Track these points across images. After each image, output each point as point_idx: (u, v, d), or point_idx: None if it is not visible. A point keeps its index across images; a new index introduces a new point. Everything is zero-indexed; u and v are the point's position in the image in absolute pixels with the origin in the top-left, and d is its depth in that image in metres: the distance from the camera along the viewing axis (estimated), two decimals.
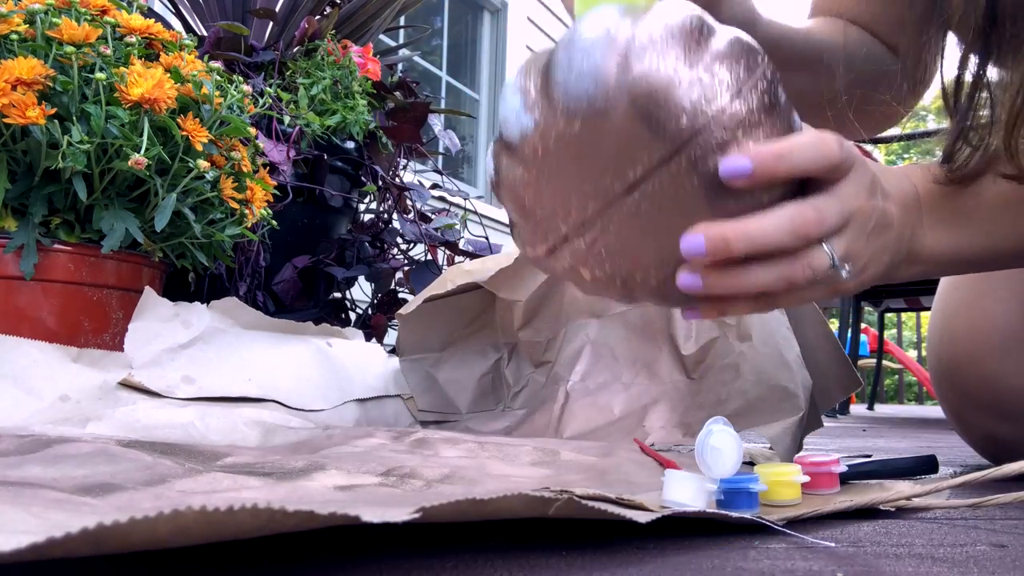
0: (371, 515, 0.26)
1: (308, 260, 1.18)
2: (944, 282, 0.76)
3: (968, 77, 0.49)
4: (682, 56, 0.35)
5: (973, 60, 0.49)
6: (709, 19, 0.36)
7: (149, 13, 0.94)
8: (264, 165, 1.01)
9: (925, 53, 0.53)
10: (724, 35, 0.36)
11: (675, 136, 0.35)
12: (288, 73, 1.25)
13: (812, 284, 0.39)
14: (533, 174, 0.38)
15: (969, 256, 0.49)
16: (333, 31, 1.30)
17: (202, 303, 0.79)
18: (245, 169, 0.89)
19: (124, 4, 0.86)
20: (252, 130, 0.92)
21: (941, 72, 0.52)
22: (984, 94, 0.48)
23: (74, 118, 0.74)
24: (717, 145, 0.35)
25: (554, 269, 0.41)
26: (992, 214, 0.48)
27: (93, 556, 0.31)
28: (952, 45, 0.52)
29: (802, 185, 0.38)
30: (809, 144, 0.36)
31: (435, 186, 1.54)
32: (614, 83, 0.35)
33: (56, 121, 0.72)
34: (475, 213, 1.53)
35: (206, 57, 0.93)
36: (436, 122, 1.50)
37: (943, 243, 0.48)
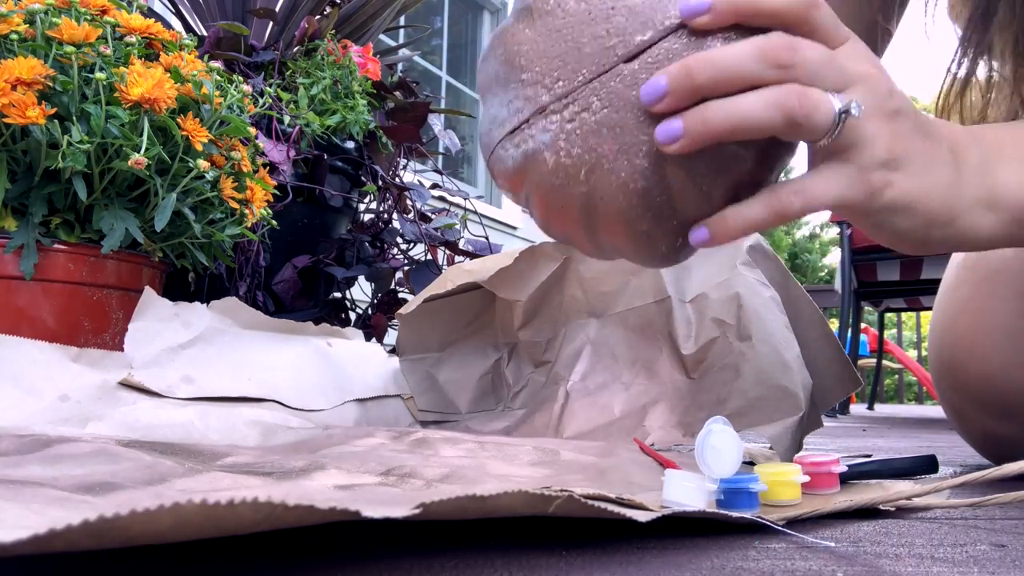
0: (371, 511, 0.26)
1: (308, 260, 1.18)
2: (946, 280, 0.76)
3: None
4: None
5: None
6: None
7: (149, 13, 0.94)
8: (264, 165, 1.01)
9: None
10: None
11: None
12: (288, 73, 1.25)
13: (822, 131, 0.35)
14: (538, 29, 0.37)
15: None
16: (333, 31, 1.30)
17: (202, 303, 0.79)
18: (245, 169, 0.89)
19: (124, 4, 0.85)
20: (252, 130, 0.92)
21: None
22: None
23: (74, 118, 0.74)
24: None
25: (510, 158, 0.38)
26: None
27: (93, 557, 0.31)
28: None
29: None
30: None
31: (435, 186, 1.54)
32: None
33: (56, 121, 0.72)
34: (475, 213, 1.53)
35: (206, 57, 0.93)
36: (436, 122, 1.50)
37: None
